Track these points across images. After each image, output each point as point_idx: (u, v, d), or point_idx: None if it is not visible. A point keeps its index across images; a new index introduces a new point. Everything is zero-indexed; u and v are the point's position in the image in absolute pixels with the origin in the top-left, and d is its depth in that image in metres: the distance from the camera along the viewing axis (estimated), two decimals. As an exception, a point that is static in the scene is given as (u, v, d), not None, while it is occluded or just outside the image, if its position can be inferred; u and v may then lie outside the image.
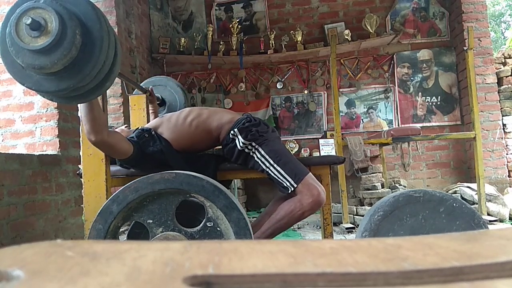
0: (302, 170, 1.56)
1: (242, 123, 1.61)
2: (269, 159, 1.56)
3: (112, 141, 1.42)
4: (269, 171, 1.56)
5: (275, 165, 1.55)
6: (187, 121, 1.68)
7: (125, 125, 2.18)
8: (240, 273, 0.25)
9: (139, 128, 1.73)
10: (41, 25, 0.95)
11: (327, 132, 4.43)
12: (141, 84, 2.33)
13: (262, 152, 1.57)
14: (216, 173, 1.66)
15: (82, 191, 1.36)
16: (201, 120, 1.68)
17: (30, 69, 1.00)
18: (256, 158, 1.58)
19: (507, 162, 4.04)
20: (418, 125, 4.12)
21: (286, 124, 4.61)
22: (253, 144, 1.58)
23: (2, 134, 2.51)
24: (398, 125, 4.39)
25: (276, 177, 1.55)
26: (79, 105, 1.40)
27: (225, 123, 1.66)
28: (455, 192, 3.57)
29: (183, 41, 4.48)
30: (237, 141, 1.59)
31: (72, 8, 1.00)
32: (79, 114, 1.49)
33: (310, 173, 1.57)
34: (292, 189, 1.53)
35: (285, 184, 1.54)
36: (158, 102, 2.34)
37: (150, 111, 2.24)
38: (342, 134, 3.38)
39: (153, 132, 1.66)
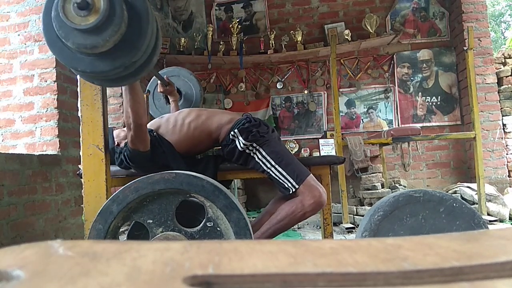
0: (303, 171, 1.56)
1: (242, 123, 1.61)
2: (271, 160, 1.56)
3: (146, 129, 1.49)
4: (271, 172, 1.56)
5: (276, 166, 1.55)
6: (186, 122, 1.67)
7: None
8: (240, 273, 0.25)
9: None
10: (89, 3, 0.94)
11: (327, 132, 4.44)
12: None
13: (263, 153, 1.57)
14: (216, 174, 1.66)
15: (82, 191, 1.36)
16: (200, 121, 1.67)
17: (82, 51, 0.99)
18: (257, 159, 1.58)
19: (507, 162, 4.04)
20: (418, 125, 4.12)
21: (286, 124, 4.61)
22: (254, 145, 1.57)
23: (2, 134, 2.51)
24: (398, 125, 4.39)
25: (278, 178, 1.55)
26: (123, 90, 1.42)
27: (224, 123, 1.65)
28: (455, 192, 3.57)
29: (183, 41, 4.48)
30: (237, 142, 1.59)
31: None
32: (79, 114, 1.49)
33: (311, 174, 1.57)
34: (294, 190, 1.53)
35: (286, 185, 1.54)
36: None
37: (171, 101, 2.24)
38: (342, 134, 3.38)
39: (155, 133, 1.66)
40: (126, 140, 1.63)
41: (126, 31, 0.99)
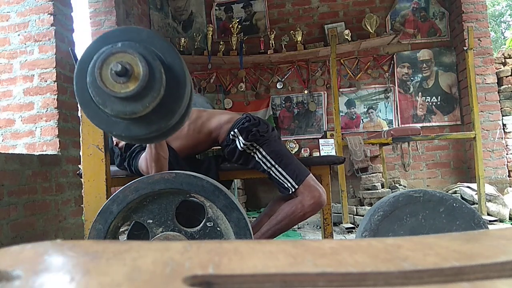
0: (303, 171, 1.55)
1: (242, 123, 1.60)
2: (271, 160, 1.55)
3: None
4: (270, 172, 1.56)
5: (276, 166, 1.55)
6: (186, 124, 1.67)
7: None
8: (240, 273, 0.25)
9: None
10: (128, 70, 0.90)
11: (327, 132, 4.44)
12: None
13: (263, 153, 1.56)
14: (218, 174, 1.65)
15: (82, 191, 1.36)
16: (200, 122, 1.67)
17: (120, 116, 0.95)
18: (257, 159, 1.57)
19: (507, 162, 4.04)
20: (418, 125, 4.12)
21: (286, 124, 4.61)
22: (254, 144, 1.57)
23: (2, 134, 2.51)
24: (398, 125, 4.39)
25: (277, 178, 1.55)
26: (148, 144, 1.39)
27: (224, 123, 1.65)
28: (455, 192, 3.57)
29: (183, 41, 4.48)
30: (237, 142, 1.58)
31: (150, 47, 0.95)
32: (79, 114, 1.49)
33: (311, 174, 1.57)
34: (293, 190, 1.53)
35: (286, 185, 1.54)
36: None
37: None
38: (342, 134, 3.38)
39: None
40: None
41: (164, 95, 0.95)
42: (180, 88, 0.97)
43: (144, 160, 1.47)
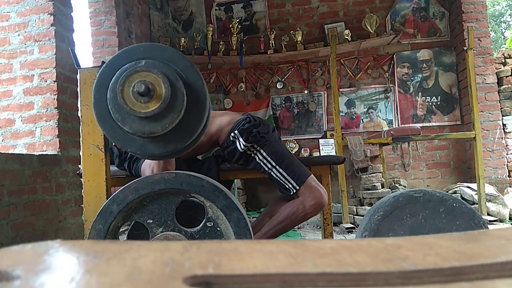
0: (304, 172, 1.55)
1: (242, 124, 1.60)
2: (271, 161, 1.55)
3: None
4: (271, 173, 1.56)
5: (277, 167, 1.55)
6: None
7: None
8: (240, 273, 0.25)
9: None
10: (150, 89, 0.88)
11: (327, 132, 4.44)
12: None
13: (264, 154, 1.56)
14: (218, 175, 1.65)
15: (82, 191, 1.36)
16: None
17: (138, 135, 0.93)
18: (258, 160, 1.57)
19: (507, 162, 4.04)
20: (418, 125, 4.12)
21: (286, 124, 4.61)
22: (255, 146, 1.57)
23: (2, 134, 2.51)
24: (398, 125, 4.39)
25: (278, 179, 1.55)
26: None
27: (224, 125, 1.64)
28: (455, 192, 3.57)
29: (183, 41, 4.48)
30: (238, 143, 1.58)
31: (174, 67, 0.93)
32: (79, 114, 1.49)
33: (312, 175, 1.57)
34: (295, 191, 1.53)
35: (287, 186, 1.53)
36: None
37: None
38: (342, 134, 3.38)
39: None
40: None
41: (183, 117, 0.93)
42: (200, 109, 0.96)
43: (148, 168, 1.46)
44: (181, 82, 0.92)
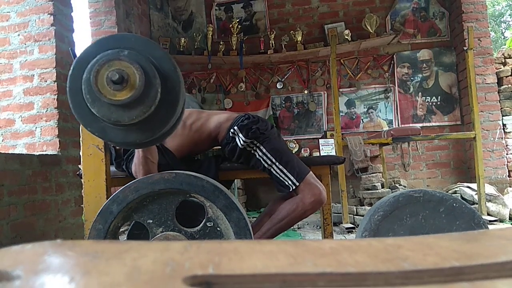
0: (303, 169, 1.56)
1: (241, 120, 1.60)
2: (271, 157, 1.55)
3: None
4: (271, 169, 1.56)
5: (277, 163, 1.55)
6: (187, 124, 1.67)
7: None
8: (240, 273, 0.25)
9: None
10: (124, 79, 0.88)
11: (327, 132, 4.44)
12: None
13: (264, 150, 1.56)
14: (218, 175, 1.65)
15: (82, 191, 1.36)
16: (200, 123, 1.67)
17: (104, 120, 0.93)
18: (257, 156, 1.57)
19: (507, 162, 4.04)
20: (418, 125, 4.12)
21: (286, 124, 4.61)
22: (255, 142, 1.57)
23: (2, 134, 2.51)
24: (398, 125, 4.39)
25: (278, 176, 1.55)
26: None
27: (223, 122, 1.64)
28: (455, 192, 3.57)
29: (183, 41, 4.48)
30: (237, 139, 1.58)
31: (156, 64, 0.93)
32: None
33: (311, 171, 1.57)
34: (294, 187, 1.53)
35: (286, 183, 1.54)
36: None
37: None
38: (342, 134, 3.37)
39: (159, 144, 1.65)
40: None
41: (152, 112, 0.93)
42: (171, 111, 0.96)
43: (133, 163, 1.47)
44: (159, 80, 0.92)
